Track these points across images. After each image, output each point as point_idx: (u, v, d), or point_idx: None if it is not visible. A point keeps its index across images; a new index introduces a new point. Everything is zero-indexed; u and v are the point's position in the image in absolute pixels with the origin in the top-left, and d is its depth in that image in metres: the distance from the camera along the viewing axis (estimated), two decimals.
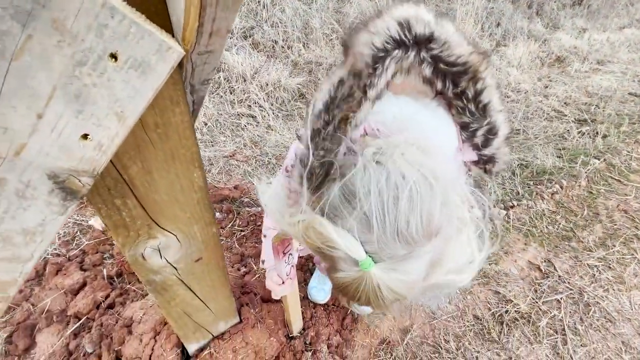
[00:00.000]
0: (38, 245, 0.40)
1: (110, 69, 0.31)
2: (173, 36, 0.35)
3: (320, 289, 1.27)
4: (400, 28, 0.43)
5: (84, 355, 1.13)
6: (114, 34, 0.29)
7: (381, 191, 0.41)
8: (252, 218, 1.78)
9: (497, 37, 4.30)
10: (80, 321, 1.24)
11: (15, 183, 0.34)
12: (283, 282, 0.84)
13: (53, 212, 0.38)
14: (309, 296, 1.29)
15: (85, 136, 0.34)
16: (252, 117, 2.64)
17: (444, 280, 0.47)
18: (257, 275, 1.34)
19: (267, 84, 2.84)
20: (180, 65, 0.41)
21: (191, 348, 0.98)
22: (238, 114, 2.62)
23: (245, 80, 2.81)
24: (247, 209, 1.84)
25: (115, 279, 1.43)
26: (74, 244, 1.56)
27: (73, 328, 1.21)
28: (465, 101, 0.49)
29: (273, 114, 2.63)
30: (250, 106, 2.70)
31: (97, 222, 1.65)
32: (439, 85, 0.48)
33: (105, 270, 1.43)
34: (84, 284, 1.39)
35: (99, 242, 1.61)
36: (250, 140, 2.37)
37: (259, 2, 3.35)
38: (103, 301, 1.30)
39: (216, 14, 0.31)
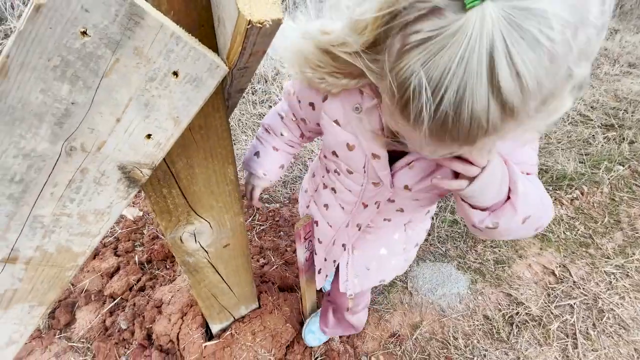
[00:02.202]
0: (105, 224, 0.49)
1: (172, 83, 0.39)
2: (219, 55, 0.43)
3: (316, 338, 1.19)
4: None
5: (118, 331, 1.25)
6: (177, 57, 0.37)
7: None
8: (270, 214, 1.87)
9: None
10: (115, 301, 1.36)
11: (94, 172, 0.43)
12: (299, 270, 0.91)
13: (119, 197, 0.47)
14: (303, 338, 1.19)
15: (148, 136, 0.43)
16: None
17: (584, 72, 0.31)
18: (274, 267, 1.43)
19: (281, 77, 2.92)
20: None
21: (215, 328, 1.07)
22: (259, 114, 2.72)
23: (266, 82, 2.90)
24: (267, 205, 1.92)
25: (146, 264, 1.55)
26: (108, 232, 1.70)
27: (109, 307, 1.33)
28: None
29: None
30: (271, 106, 2.80)
31: (129, 213, 1.78)
32: None
33: (136, 257, 1.56)
34: (117, 268, 1.52)
35: (130, 231, 1.75)
36: None
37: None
38: (135, 284, 1.42)
39: (257, 40, 0.39)
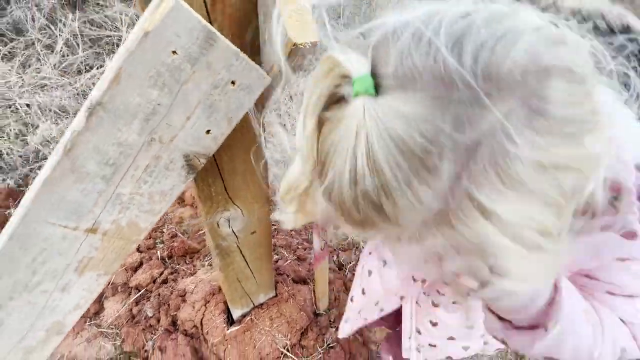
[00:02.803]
0: (165, 204, 0.60)
1: (230, 90, 0.50)
2: (262, 68, 0.54)
3: None
4: None
5: (145, 318, 1.35)
6: (236, 69, 0.49)
7: None
8: None
9: None
10: (140, 292, 1.46)
11: (165, 159, 0.54)
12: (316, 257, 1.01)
13: (180, 181, 0.58)
14: None
15: (208, 131, 0.54)
16: (282, 125, 2.85)
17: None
18: (288, 261, 1.52)
19: (297, 94, 3.06)
20: None
21: (236, 314, 1.17)
22: (268, 122, 2.85)
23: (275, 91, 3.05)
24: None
25: (167, 260, 1.65)
26: None
27: (135, 297, 1.44)
28: None
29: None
30: (280, 115, 2.93)
31: None
32: None
33: (158, 252, 1.67)
34: (141, 263, 1.63)
35: (152, 228, 1.86)
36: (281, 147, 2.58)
37: None
38: (158, 277, 1.53)
39: (296, 60, 0.50)
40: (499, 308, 0.41)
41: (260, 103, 0.57)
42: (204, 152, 0.56)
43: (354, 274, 1.52)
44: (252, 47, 0.56)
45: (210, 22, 0.49)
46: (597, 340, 0.39)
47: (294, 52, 0.47)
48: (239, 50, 0.48)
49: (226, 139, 0.62)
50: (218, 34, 0.45)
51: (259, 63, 0.54)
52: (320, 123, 0.30)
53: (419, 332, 0.75)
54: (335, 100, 0.30)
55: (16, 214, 0.50)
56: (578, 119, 0.26)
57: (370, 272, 0.78)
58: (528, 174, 0.25)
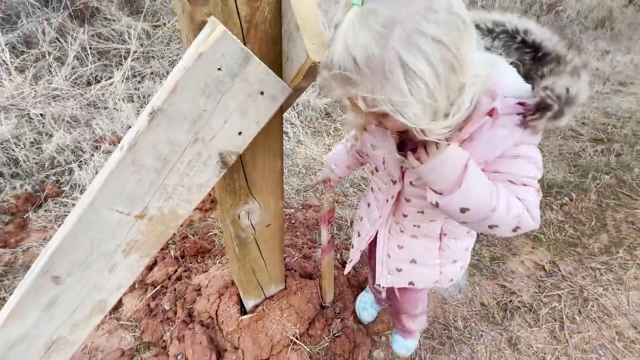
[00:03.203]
0: (200, 195, 0.71)
1: (259, 99, 0.62)
2: (284, 80, 0.65)
3: (371, 314, 1.42)
4: None
5: (162, 311, 1.43)
6: (265, 82, 0.60)
7: None
8: (287, 217, 2.07)
9: None
10: (157, 288, 1.56)
11: (204, 156, 0.65)
12: (323, 250, 1.12)
13: (214, 175, 0.69)
14: (358, 316, 1.42)
15: (239, 133, 0.65)
16: (285, 132, 2.98)
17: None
18: (295, 258, 1.62)
19: (298, 104, 3.20)
20: None
21: (249, 304, 1.26)
22: None
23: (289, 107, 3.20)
24: (283, 210, 2.13)
25: (180, 259, 1.75)
26: None
27: (152, 292, 1.53)
28: None
29: (303, 130, 2.95)
30: (282, 123, 3.05)
31: None
32: None
33: (172, 252, 1.76)
34: (155, 262, 1.72)
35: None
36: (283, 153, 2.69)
37: None
38: (173, 274, 1.62)
39: (313, 72, 0.61)
40: (432, 182, 0.66)
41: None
42: (235, 150, 0.67)
43: (356, 271, 1.62)
44: (277, 64, 0.68)
45: (245, 44, 0.61)
46: (493, 197, 0.62)
47: (313, 69, 0.58)
48: (267, 67, 0.60)
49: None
50: (252, 55, 0.57)
51: (281, 76, 0.66)
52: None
53: (389, 256, 0.95)
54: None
55: (83, 200, 0.61)
56: (454, 24, 0.47)
57: (361, 218, 1.02)
58: (430, 46, 0.45)
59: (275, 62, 0.67)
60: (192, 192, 0.69)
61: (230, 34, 0.53)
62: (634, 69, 4.98)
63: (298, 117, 3.09)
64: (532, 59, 0.66)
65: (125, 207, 0.64)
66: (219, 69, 0.55)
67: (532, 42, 0.65)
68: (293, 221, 2.06)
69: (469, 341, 1.38)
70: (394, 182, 0.81)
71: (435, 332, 1.41)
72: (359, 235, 1.03)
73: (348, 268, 1.12)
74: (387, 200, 0.86)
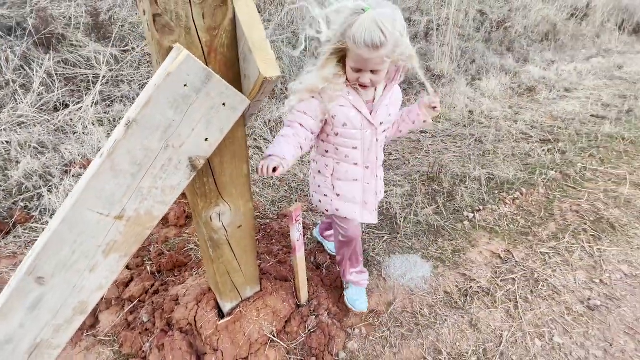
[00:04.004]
0: (174, 196, 0.80)
1: (221, 109, 0.73)
2: (244, 94, 0.77)
3: (363, 301, 1.53)
4: None
5: (141, 324, 1.46)
6: (226, 95, 0.72)
7: None
8: (262, 227, 2.15)
9: (472, 72, 4.88)
10: (134, 303, 1.58)
11: (175, 161, 0.75)
12: (295, 248, 1.22)
13: (185, 178, 0.78)
14: (352, 307, 1.52)
15: (206, 139, 0.76)
16: (259, 148, 3.08)
17: (405, 43, 0.99)
18: (270, 263, 1.70)
19: (270, 121, 3.33)
20: None
21: (226, 308, 1.33)
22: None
23: (251, 118, 3.31)
24: (259, 220, 2.21)
25: (157, 274, 1.78)
26: None
27: (130, 307, 1.55)
28: None
29: None
30: (255, 139, 3.16)
31: None
32: None
33: (148, 268, 1.79)
34: (131, 279, 1.75)
35: (139, 249, 1.98)
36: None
37: None
38: (150, 288, 1.65)
39: (267, 86, 0.73)
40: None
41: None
42: (203, 154, 0.77)
43: (329, 271, 1.72)
44: (237, 81, 0.79)
45: (207, 65, 0.72)
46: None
47: (266, 83, 0.71)
48: (227, 83, 0.71)
49: (217, 146, 0.84)
50: (213, 73, 0.68)
51: (241, 91, 0.78)
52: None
53: (376, 194, 1.37)
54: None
55: (66, 202, 0.69)
56: (401, 27, 0.97)
57: (347, 172, 1.29)
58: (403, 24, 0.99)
59: (235, 79, 0.79)
60: (165, 193, 0.78)
61: (194, 57, 0.65)
62: (577, 76, 5.50)
63: (271, 133, 3.21)
64: None
65: (105, 209, 0.72)
66: (185, 85, 0.66)
67: None
68: (268, 230, 2.14)
69: (434, 326, 1.50)
70: (366, 129, 1.18)
71: (404, 321, 1.52)
72: (354, 198, 1.31)
73: (371, 218, 1.37)
74: (369, 149, 1.23)
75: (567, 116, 3.89)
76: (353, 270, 1.53)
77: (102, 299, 1.64)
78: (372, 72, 1.02)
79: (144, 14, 0.68)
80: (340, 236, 1.41)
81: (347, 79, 1.09)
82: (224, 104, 0.72)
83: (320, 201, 1.34)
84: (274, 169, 0.95)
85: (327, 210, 1.35)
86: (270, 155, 1.05)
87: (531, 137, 3.37)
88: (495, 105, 4.09)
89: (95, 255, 0.77)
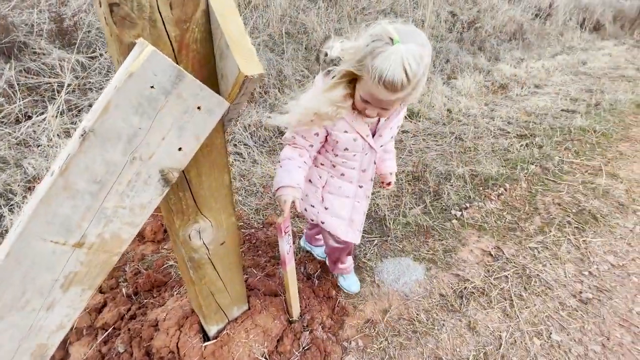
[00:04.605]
0: (145, 216, 0.69)
1: (196, 113, 0.64)
2: (221, 96, 0.68)
3: (353, 282, 1.62)
4: None
5: (116, 355, 1.32)
6: (201, 97, 0.63)
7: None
8: (247, 237, 2.04)
9: (447, 71, 4.96)
10: (108, 331, 1.43)
11: (144, 175, 0.64)
12: (284, 261, 1.13)
13: (157, 194, 0.68)
14: (347, 289, 1.62)
15: (180, 149, 0.66)
16: (239, 154, 2.96)
17: (422, 86, 0.86)
18: (257, 277, 1.59)
19: (250, 125, 3.21)
20: None
21: (211, 331, 1.22)
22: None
23: (230, 122, 3.18)
24: (243, 230, 2.10)
25: (133, 296, 1.63)
26: None
27: (103, 337, 1.40)
28: None
29: (257, 150, 2.96)
30: (236, 145, 3.04)
31: None
32: None
33: (123, 290, 1.64)
34: (105, 304, 1.59)
35: (113, 269, 1.82)
36: (239, 174, 2.67)
37: None
38: (126, 313, 1.50)
39: (247, 87, 0.65)
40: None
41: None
42: (176, 166, 0.68)
43: (320, 281, 1.63)
44: (213, 80, 0.70)
45: (178, 64, 0.63)
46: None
47: (247, 83, 0.62)
48: (201, 83, 0.62)
49: (193, 156, 0.74)
50: (185, 72, 0.59)
51: (218, 92, 0.69)
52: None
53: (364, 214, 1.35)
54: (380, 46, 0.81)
55: (11, 232, 0.57)
56: (425, 67, 0.84)
57: (340, 187, 1.25)
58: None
59: (210, 78, 0.70)
60: (135, 213, 0.68)
61: (160, 53, 0.55)
62: (545, 73, 5.72)
63: (251, 138, 3.10)
64: None
65: (61, 236, 0.61)
66: (152, 87, 0.57)
67: None
68: (254, 241, 2.03)
69: (432, 332, 1.44)
70: (367, 153, 1.14)
71: (401, 329, 1.45)
72: (342, 215, 1.27)
73: (355, 238, 1.33)
74: (365, 170, 1.20)
75: (540, 111, 4.01)
76: (341, 267, 1.57)
77: (71, 329, 1.48)
78: (381, 107, 0.93)
79: (100, 6, 0.58)
80: (333, 241, 1.36)
81: (353, 103, 0.99)
82: (199, 108, 0.63)
83: (305, 209, 1.28)
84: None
85: (312, 220, 1.30)
86: (280, 187, 1.04)
87: (508, 132, 3.43)
88: (472, 102, 4.16)
89: (51, 291, 0.66)
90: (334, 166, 1.18)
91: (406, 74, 0.79)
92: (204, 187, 0.83)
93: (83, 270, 0.68)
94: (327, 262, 1.66)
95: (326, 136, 1.09)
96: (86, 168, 0.57)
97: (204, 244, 0.93)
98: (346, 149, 1.10)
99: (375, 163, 1.21)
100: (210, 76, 0.70)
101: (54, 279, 0.65)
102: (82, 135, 0.55)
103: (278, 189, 1.03)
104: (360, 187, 1.25)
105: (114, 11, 0.53)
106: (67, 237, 0.62)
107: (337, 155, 1.14)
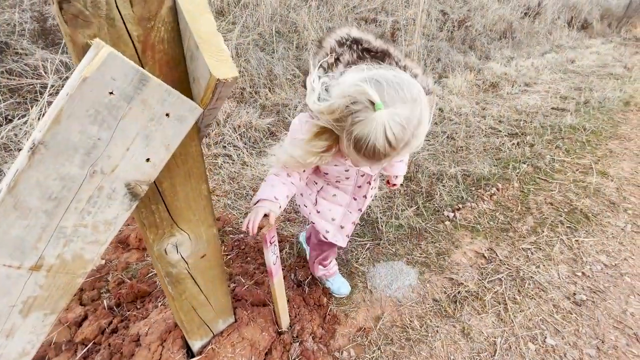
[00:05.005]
0: (111, 233, 0.63)
1: (165, 121, 0.58)
2: (194, 101, 0.62)
3: (341, 284, 1.59)
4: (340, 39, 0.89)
5: None
6: (169, 103, 0.57)
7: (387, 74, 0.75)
8: (236, 243, 1.98)
9: (438, 70, 4.95)
10: (88, 346, 1.36)
11: (107, 189, 0.58)
12: (271, 271, 1.07)
13: (123, 209, 0.62)
14: (336, 293, 1.59)
15: (147, 159, 0.60)
16: (228, 156, 2.89)
17: (418, 139, 0.76)
18: (245, 287, 1.54)
19: (240, 126, 3.14)
20: None
21: (195, 346, 1.16)
22: (214, 155, 2.87)
23: (219, 124, 3.10)
24: (231, 236, 2.04)
25: (115, 308, 1.56)
26: None
27: (82, 352, 1.33)
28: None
29: (247, 152, 2.90)
30: (225, 146, 2.97)
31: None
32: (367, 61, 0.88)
33: (105, 302, 1.57)
34: (85, 317, 1.52)
35: (94, 279, 1.75)
36: (228, 177, 2.60)
37: None
38: (107, 327, 1.43)
39: (222, 90, 0.59)
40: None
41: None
42: (145, 179, 0.62)
43: (311, 288, 1.58)
44: (184, 84, 0.64)
45: (142, 66, 0.57)
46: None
47: (218, 87, 0.56)
48: (170, 87, 0.56)
49: (166, 166, 0.68)
50: (150, 75, 0.53)
51: (191, 97, 0.63)
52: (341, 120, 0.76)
53: (354, 224, 1.32)
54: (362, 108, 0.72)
55: None
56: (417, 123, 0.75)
57: (330, 211, 1.27)
58: (423, 129, 0.78)
59: (182, 82, 0.64)
60: (98, 231, 0.62)
61: (119, 54, 0.49)
62: (535, 71, 5.74)
63: (241, 139, 3.03)
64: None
65: (14, 259, 0.55)
66: (111, 92, 0.51)
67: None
68: (243, 247, 1.97)
69: (426, 340, 1.41)
70: (362, 175, 1.14)
71: (394, 337, 1.41)
72: (332, 220, 1.27)
73: (342, 242, 1.32)
74: (361, 187, 1.19)
75: (531, 109, 4.01)
76: (323, 270, 1.55)
77: (50, 344, 1.41)
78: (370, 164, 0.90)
79: (53, 2, 0.52)
80: (321, 236, 1.36)
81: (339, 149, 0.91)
82: (167, 115, 0.57)
83: (299, 206, 1.33)
84: (259, 228, 0.93)
85: (305, 216, 1.35)
86: (258, 201, 0.99)
87: (500, 131, 3.42)
88: (463, 101, 4.14)
89: (9, 317, 0.59)
90: (327, 184, 1.21)
91: (389, 143, 0.71)
92: (180, 199, 0.77)
93: (43, 294, 0.62)
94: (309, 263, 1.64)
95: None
96: (38, 184, 0.51)
97: (182, 258, 0.87)
98: (337, 179, 1.14)
99: (369, 184, 1.19)
100: (182, 79, 0.65)
101: (10, 304, 0.58)
102: (32, 148, 0.49)
103: (258, 201, 0.99)
104: (355, 199, 1.24)
105: (64, 8, 0.47)
106: (22, 259, 0.56)
107: (328, 182, 1.19)
